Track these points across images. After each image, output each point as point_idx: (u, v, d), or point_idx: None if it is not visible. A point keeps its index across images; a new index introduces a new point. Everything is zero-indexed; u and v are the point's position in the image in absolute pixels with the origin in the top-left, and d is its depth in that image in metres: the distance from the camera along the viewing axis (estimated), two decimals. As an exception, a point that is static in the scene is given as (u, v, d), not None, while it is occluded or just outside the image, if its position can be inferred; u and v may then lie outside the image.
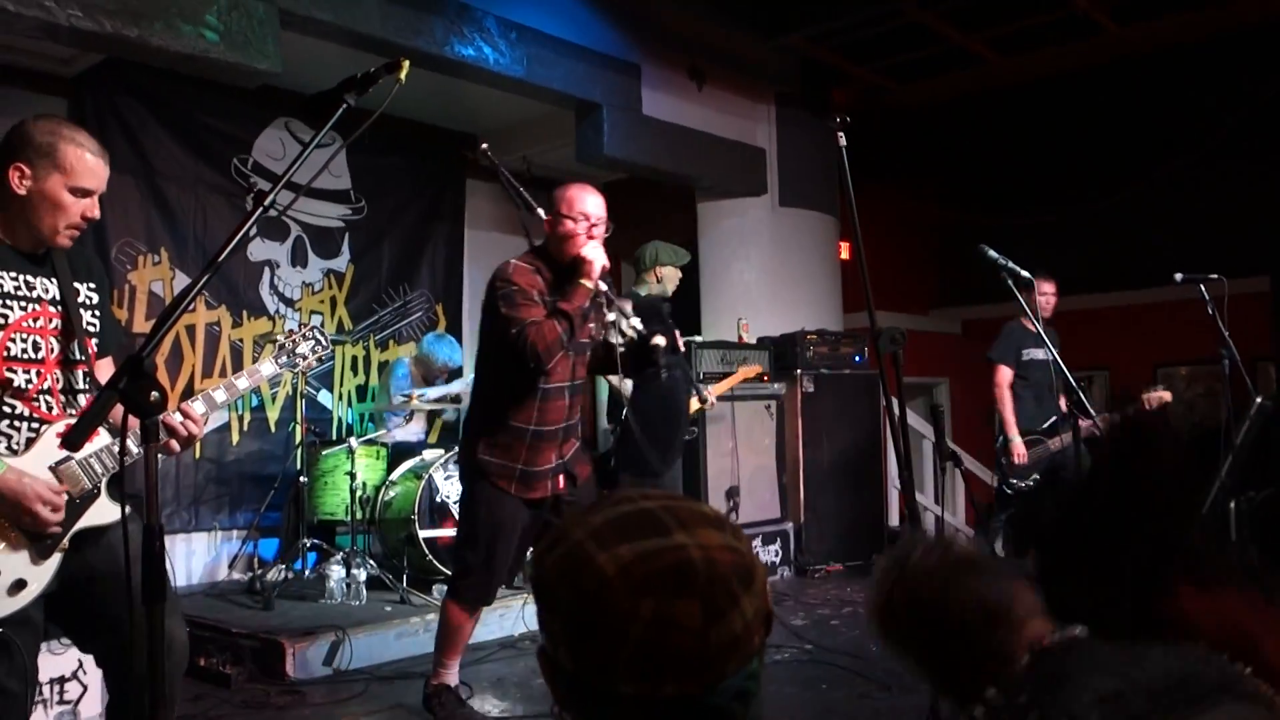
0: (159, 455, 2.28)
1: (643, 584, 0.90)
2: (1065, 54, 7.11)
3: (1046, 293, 5.53)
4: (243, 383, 2.53)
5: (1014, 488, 5.57)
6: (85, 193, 2.27)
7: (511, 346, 3.21)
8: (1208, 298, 5.22)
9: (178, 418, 2.28)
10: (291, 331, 2.77)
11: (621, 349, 3.46)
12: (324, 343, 2.74)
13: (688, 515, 0.97)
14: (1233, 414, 5.60)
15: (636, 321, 3.41)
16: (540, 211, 3.53)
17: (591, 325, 3.47)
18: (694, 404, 5.38)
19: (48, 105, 5.39)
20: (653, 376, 3.68)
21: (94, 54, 5.26)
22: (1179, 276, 5.19)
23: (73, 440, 1.61)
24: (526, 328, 3.19)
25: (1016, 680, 1.16)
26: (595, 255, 3.30)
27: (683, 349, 4.30)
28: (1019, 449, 5.50)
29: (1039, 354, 5.53)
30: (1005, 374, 5.53)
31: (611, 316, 3.45)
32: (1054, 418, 5.60)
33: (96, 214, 2.31)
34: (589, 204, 3.39)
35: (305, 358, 2.69)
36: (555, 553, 0.97)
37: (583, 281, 3.28)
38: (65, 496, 2.21)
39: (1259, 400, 5.71)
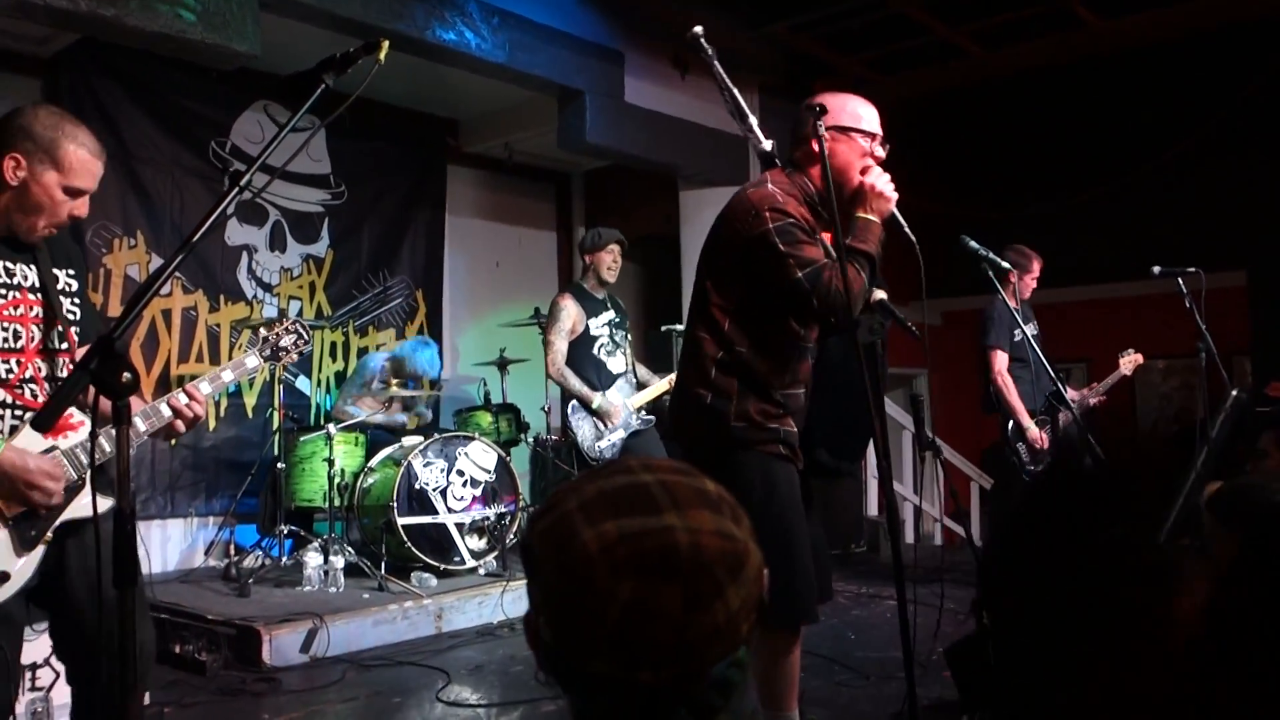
0: (161, 438, 2.28)
1: (624, 565, 0.88)
2: (1047, 48, 7.13)
3: (1036, 273, 5.49)
4: (227, 375, 2.52)
5: (1033, 475, 5.38)
6: (79, 192, 2.24)
7: (789, 294, 2.55)
8: (1185, 292, 5.25)
9: (183, 399, 2.28)
10: (274, 324, 2.76)
11: None
12: (305, 336, 2.72)
13: (684, 494, 0.94)
14: (1209, 407, 5.65)
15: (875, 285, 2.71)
16: (753, 122, 2.86)
17: None
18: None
19: (22, 86, 5.32)
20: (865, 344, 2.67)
21: (70, 34, 5.18)
22: (1157, 270, 5.23)
23: (42, 421, 1.58)
24: (823, 271, 2.52)
25: None
26: (888, 186, 2.66)
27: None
28: (1035, 433, 5.35)
29: (1030, 330, 5.52)
30: (1002, 359, 5.35)
31: None
32: (1048, 394, 5.58)
33: (84, 213, 2.28)
34: (877, 119, 2.72)
35: (287, 351, 2.68)
36: (544, 520, 0.96)
37: (872, 217, 2.64)
38: (65, 473, 2.18)
39: (1234, 393, 5.76)
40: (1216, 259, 5.53)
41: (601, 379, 5.25)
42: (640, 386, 5.44)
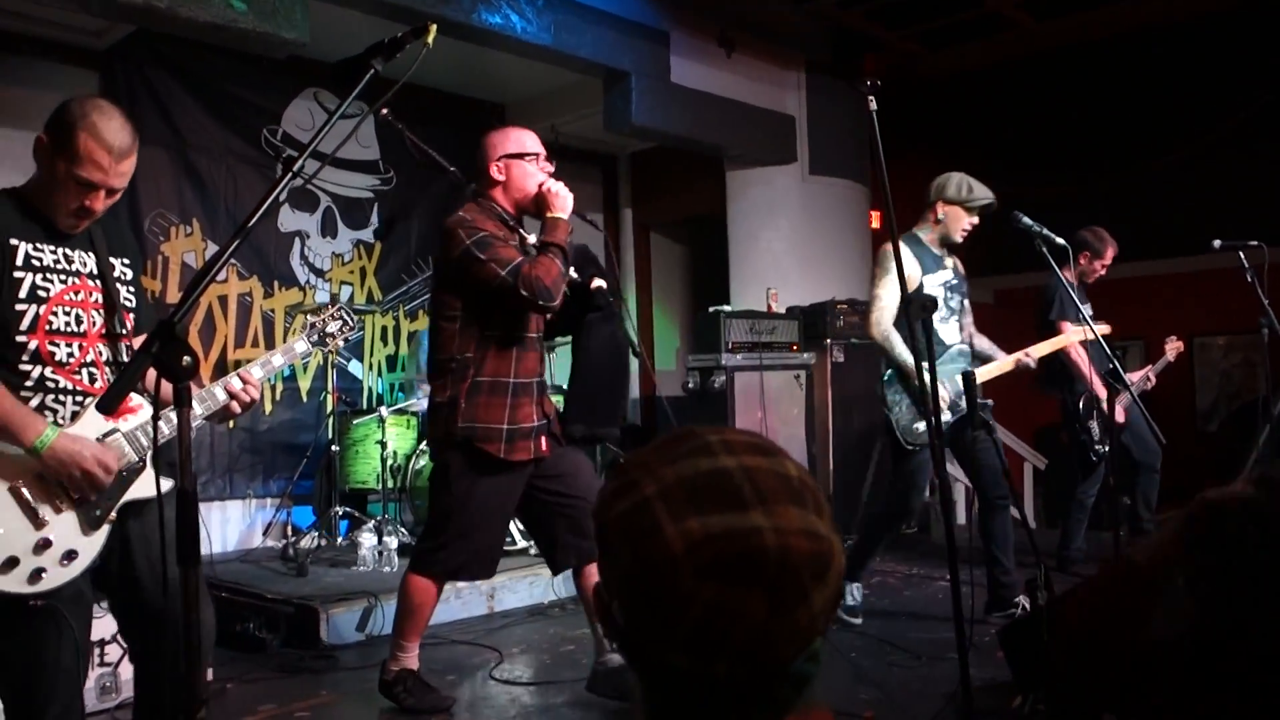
0: (217, 422, 2.35)
1: (710, 567, 0.85)
2: (1103, 18, 6.96)
3: (1108, 259, 5.36)
4: (278, 359, 2.59)
5: (1100, 455, 5.22)
6: (88, 184, 2.21)
7: (498, 292, 3.07)
8: (1247, 266, 5.12)
9: (238, 383, 2.35)
10: (321, 309, 2.84)
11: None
12: (350, 322, 2.82)
13: (770, 485, 0.89)
14: (1271, 384, 5.51)
15: (570, 269, 3.28)
16: (454, 171, 3.48)
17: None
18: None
19: (79, 78, 5.43)
20: (597, 323, 3.45)
21: (124, 26, 5.28)
22: (1217, 243, 5.09)
23: (106, 404, 1.62)
24: (522, 267, 3.05)
25: None
26: (563, 188, 3.21)
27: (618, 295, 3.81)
28: (1115, 401, 4.88)
29: (1087, 311, 5.41)
30: (1075, 331, 4.91)
31: None
32: (1107, 369, 5.47)
33: (96, 208, 2.25)
34: (537, 141, 3.30)
35: (334, 336, 2.78)
36: (621, 504, 0.92)
37: (557, 215, 3.19)
38: (121, 453, 2.24)
39: (1298, 370, 5.61)
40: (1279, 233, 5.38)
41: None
42: (980, 361, 4.44)
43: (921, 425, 4.12)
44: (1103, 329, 4.43)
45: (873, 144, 2.60)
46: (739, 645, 0.86)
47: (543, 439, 3.31)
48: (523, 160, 3.25)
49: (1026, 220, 3.79)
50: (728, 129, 6.76)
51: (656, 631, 0.89)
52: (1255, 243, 5.05)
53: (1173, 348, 5.78)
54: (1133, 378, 5.51)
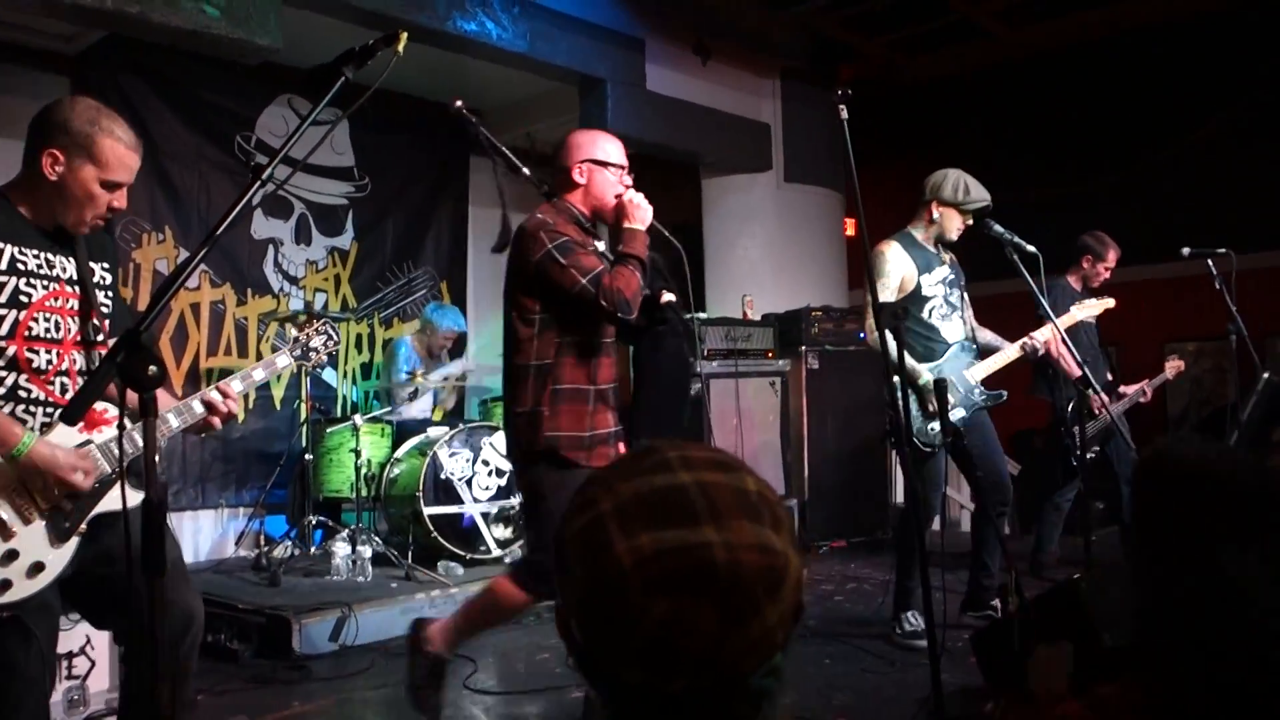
0: (174, 429, 2.33)
1: (659, 583, 0.85)
2: (1073, 26, 7.04)
3: (1110, 263, 5.38)
4: (259, 374, 2.57)
5: (1081, 460, 5.25)
6: (116, 185, 2.26)
7: (577, 299, 2.95)
8: (1216, 273, 5.19)
9: (218, 395, 2.33)
10: (305, 324, 2.83)
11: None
12: (335, 337, 2.80)
13: (724, 500, 0.89)
14: (1240, 389, 5.58)
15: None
16: (526, 171, 3.36)
17: None
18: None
19: (50, 83, 5.39)
20: (665, 337, 3.40)
21: (96, 31, 5.24)
22: (1187, 251, 5.15)
23: (70, 414, 1.61)
24: (603, 277, 2.94)
25: None
26: (643, 200, 3.09)
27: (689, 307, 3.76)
28: (1102, 395, 4.93)
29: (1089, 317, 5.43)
30: (1065, 317, 4.77)
31: None
32: (1105, 382, 5.49)
33: (124, 205, 2.32)
34: (622, 152, 3.19)
35: (317, 351, 2.76)
36: (578, 521, 0.92)
37: (635, 227, 3.07)
38: (95, 464, 2.22)
39: (1265, 375, 5.68)
40: (1248, 240, 5.46)
41: (934, 349, 4.27)
42: (983, 354, 4.41)
43: (933, 426, 4.08)
44: (1107, 303, 4.65)
45: (845, 153, 2.62)
46: (693, 660, 0.86)
47: (620, 445, 3.22)
48: (606, 169, 3.15)
49: (998, 228, 3.82)
50: (703, 136, 6.78)
51: (611, 648, 0.89)
52: (1223, 250, 5.12)
53: (1173, 367, 5.73)
54: (1128, 390, 5.56)
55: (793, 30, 7.10)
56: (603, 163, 3.14)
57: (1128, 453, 5.39)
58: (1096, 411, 5.10)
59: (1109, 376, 5.56)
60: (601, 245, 3.18)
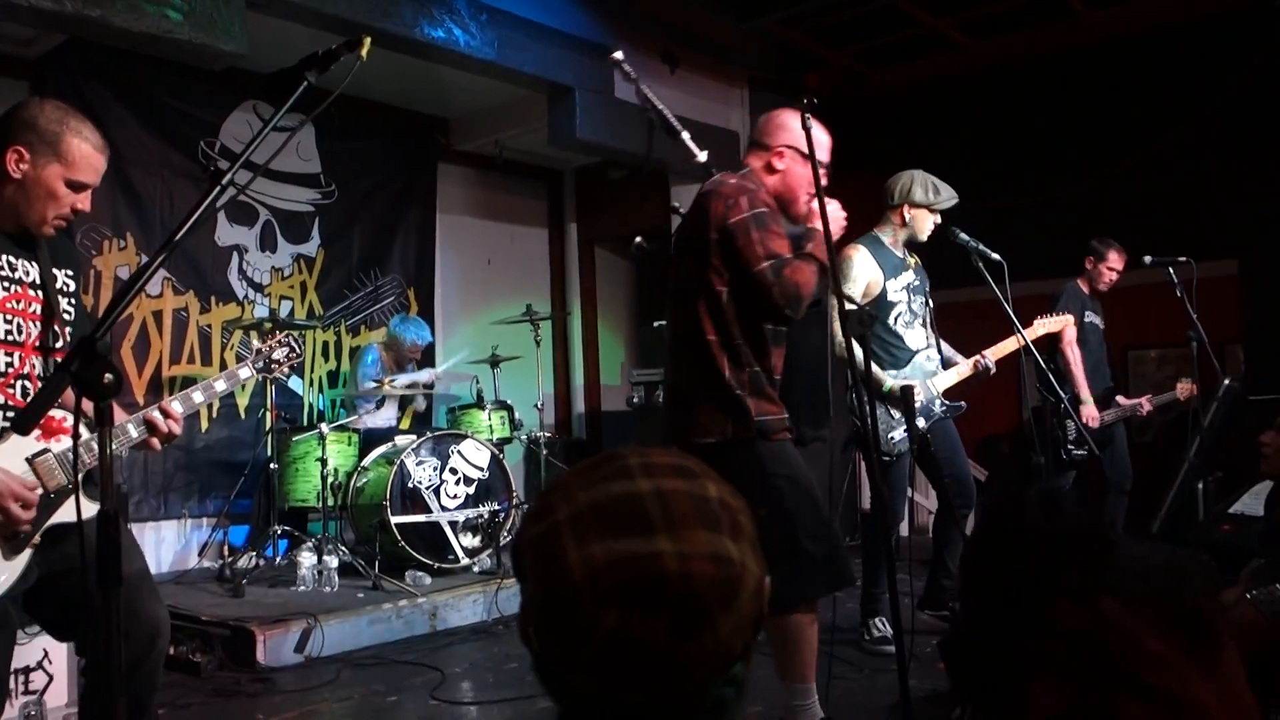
0: (134, 439, 2.28)
1: (610, 594, 0.85)
2: (1036, 39, 7.12)
3: (1112, 264, 5.40)
4: (220, 385, 2.54)
5: (1072, 455, 5.17)
6: (81, 186, 2.25)
7: (751, 278, 2.69)
8: (1176, 281, 5.26)
9: (159, 415, 2.27)
10: (267, 336, 2.81)
11: None
12: (298, 349, 2.78)
13: (681, 509, 0.88)
14: (1201, 396, 5.66)
15: None
16: (686, 137, 3.12)
17: None
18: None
19: (8, 88, 5.30)
20: (811, 323, 3.08)
21: (56, 35, 5.16)
22: (1149, 259, 5.23)
23: (21, 424, 1.57)
24: (785, 266, 2.67)
25: None
26: (837, 209, 2.84)
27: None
28: (1092, 411, 5.16)
29: (1095, 320, 5.48)
30: (1073, 330, 5.02)
31: None
32: (1108, 387, 5.53)
33: (88, 207, 2.29)
34: (827, 149, 2.88)
35: (280, 364, 2.74)
36: (535, 528, 0.92)
37: (820, 228, 2.78)
38: (39, 492, 2.16)
39: (1226, 382, 5.78)
40: (1208, 248, 5.54)
41: (898, 357, 4.25)
42: (946, 365, 4.40)
43: (896, 434, 4.10)
44: (1065, 320, 4.80)
45: (813, 161, 2.64)
46: (644, 671, 0.85)
47: (786, 433, 2.94)
48: (804, 167, 2.86)
49: (963, 235, 3.85)
50: (672, 144, 6.78)
51: (565, 657, 0.88)
52: (1184, 258, 5.19)
53: (1184, 390, 5.62)
54: (1126, 402, 5.59)
55: (759, 40, 7.13)
56: (806, 156, 2.82)
57: (1124, 463, 5.46)
58: (1087, 422, 5.16)
59: (1111, 384, 5.60)
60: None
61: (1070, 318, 4.92)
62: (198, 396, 2.42)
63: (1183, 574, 1.50)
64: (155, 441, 2.29)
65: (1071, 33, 7.02)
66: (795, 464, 2.78)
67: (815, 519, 2.73)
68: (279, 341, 2.75)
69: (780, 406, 2.82)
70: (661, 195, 7.46)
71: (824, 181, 2.83)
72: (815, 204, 2.79)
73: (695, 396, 2.82)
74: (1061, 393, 4.59)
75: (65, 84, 5.51)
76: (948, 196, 4.24)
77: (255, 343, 2.78)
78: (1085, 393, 5.19)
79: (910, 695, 2.44)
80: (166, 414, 2.29)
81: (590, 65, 6.18)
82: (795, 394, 3.04)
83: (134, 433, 2.27)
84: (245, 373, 2.65)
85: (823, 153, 2.84)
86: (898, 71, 7.66)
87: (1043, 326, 4.65)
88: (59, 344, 2.31)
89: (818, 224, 2.78)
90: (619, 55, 3.12)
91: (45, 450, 2.20)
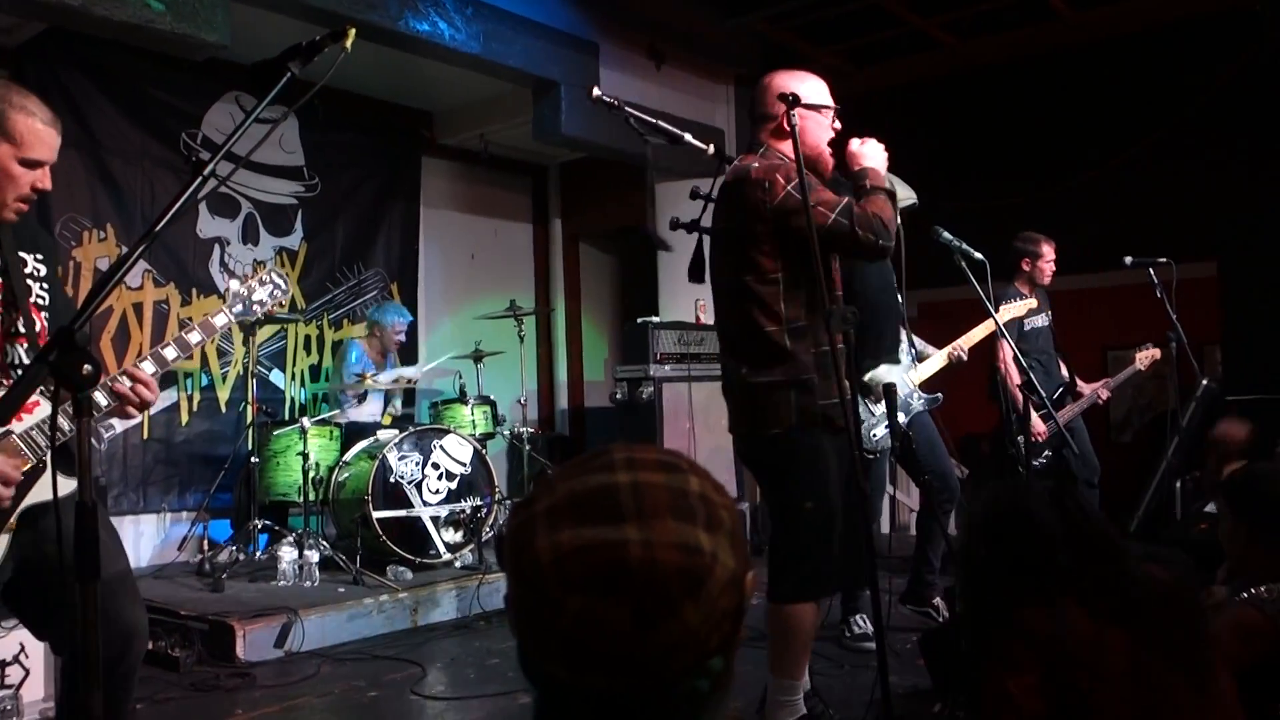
0: (115, 429, 2.24)
1: (574, 580, 0.85)
2: (1019, 40, 7.16)
3: (1049, 257, 5.43)
4: (194, 336, 2.39)
5: (1028, 469, 5.30)
6: (36, 164, 2.19)
7: (826, 238, 2.63)
8: (1156, 281, 5.30)
9: (126, 383, 2.18)
10: (247, 276, 2.64)
11: None
12: (283, 286, 2.54)
13: (654, 499, 0.88)
14: (1180, 396, 5.69)
15: None
16: (689, 137, 3.18)
17: None
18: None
19: (-13, 75, 5.24)
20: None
21: (36, 23, 5.11)
22: (1129, 260, 5.26)
23: (-1, 416, 1.55)
24: (853, 207, 2.67)
25: None
26: (872, 143, 2.89)
27: None
28: (1038, 426, 5.24)
29: (1040, 321, 5.51)
30: (1007, 350, 5.02)
31: None
32: (1060, 387, 5.56)
33: (48, 185, 2.23)
34: (826, 91, 2.92)
35: (264, 303, 2.50)
36: (516, 519, 0.93)
37: (871, 165, 2.85)
38: (18, 467, 2.12)
39: (1204, 382, 5.82)
40: (1188, 249, 5.57)
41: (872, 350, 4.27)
42: (920, 359, 4.47)
43: (878, 431, 4.12)
44: (1030, 303, 4.98)
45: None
46: (610, 658, 0.86)
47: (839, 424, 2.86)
48: (817, 113, 2.87)
49: (947, 235, 3.86)
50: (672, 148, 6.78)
51: (536, 643, 0.89)
52: (1164, 259, 5.23)
53: (1145, 356, 5.56)
54: (1085, 389, 5.63)
55: (745, 38, 7.14)
56: (813, 106, 2.84)
57: (1089, 457, 5.49)
58: (1036, 438, 5.24)
59: (1064, 378, 5.64)
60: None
61: (1034, 301, 5.08)
62: (169, 353, 2.30)
63: (1189, 597, 1.56)
64: (131, 410, 2.21)
65: (1054, 35, 7.06)
66: (837, 460, 2.80)
67: (845, 517, 2.76)
68: (260, 280, 2.50)
69: (836, 391, 2.72)
70: (646, 190, 7.45)
71: (838, 125, 2.93)
72: (852, 146, 2.85)
73: (751, 388, 2.82)
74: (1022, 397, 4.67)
75: (44, 73, 5.45)
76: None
77: (233, 284, 2.49)
78: (1018, 397, 5.23)
79: (890, 691, 2.45)
80: (135, 379, 2.19)
81: (576, 60, 6.18)
82: (863, 328, 3.13)
83: (103, 401, 2.18)
84: (221, 320, 2.44)
85: (823, 94, 2.92)
86: (882, 71, 7.68)
87: (1008, 312, 4.77)
88: (26, 331, 2.24)
89: (866, 162, 2.85)
90: (598, 91, 3.25)
91: (7, 432, 2.14)
